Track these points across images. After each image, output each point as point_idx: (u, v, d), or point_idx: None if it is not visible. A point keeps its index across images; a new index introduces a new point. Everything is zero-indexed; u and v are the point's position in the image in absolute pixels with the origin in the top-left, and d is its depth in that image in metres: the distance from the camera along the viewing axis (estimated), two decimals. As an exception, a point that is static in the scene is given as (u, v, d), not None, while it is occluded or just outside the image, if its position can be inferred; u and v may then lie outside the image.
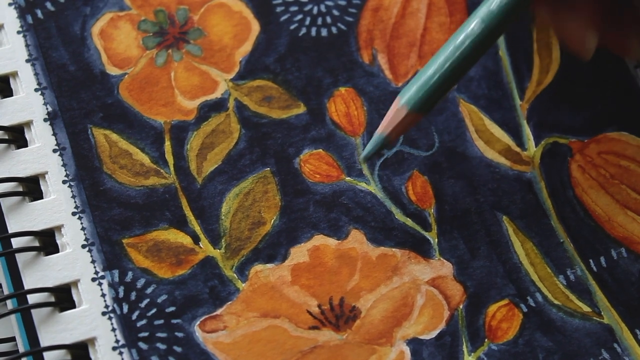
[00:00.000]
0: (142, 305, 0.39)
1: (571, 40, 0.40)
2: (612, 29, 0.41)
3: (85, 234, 0.40)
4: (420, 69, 0.39)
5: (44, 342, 0.38)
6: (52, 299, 0.39)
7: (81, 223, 0.40)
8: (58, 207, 0.40)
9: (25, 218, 0.40)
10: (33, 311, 0.38)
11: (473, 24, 0.38)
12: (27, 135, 0.41)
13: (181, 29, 0.44)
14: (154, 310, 0.39)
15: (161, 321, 0.39)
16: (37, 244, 0.39)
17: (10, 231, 0.40)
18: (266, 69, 0.43)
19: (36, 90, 0.42)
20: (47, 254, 0.39)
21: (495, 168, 0.42)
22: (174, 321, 0.39)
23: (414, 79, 0.39)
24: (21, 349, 0.38)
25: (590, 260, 0.41)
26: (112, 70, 0.43)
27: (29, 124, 0.42)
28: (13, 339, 0.39)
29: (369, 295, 0.40)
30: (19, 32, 0.43)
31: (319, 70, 0.43)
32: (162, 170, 0.41)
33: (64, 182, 0.41)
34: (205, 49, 0.43)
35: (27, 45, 0.43)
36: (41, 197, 0.40)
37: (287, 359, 0.38)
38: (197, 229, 0.40)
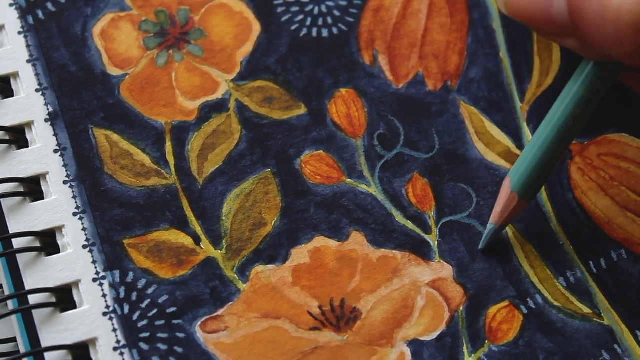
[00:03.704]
0: (143, 305, 0.39)
1: None
2: None
3: (86, 235, 0.40)
4: (525, 151, 0.39)
5: (44, 342, 0.38)
6: (53, 300, 0.39)
7: (82, 223, 0.40)
8: (59, 207, 0.40)
9: (26, 218, 0.40)
10: (34, 312, 0.38)
11: (567, 103, 0.39)
12: (28, 136, 0.41)
13: (182, 29, 0.44)
14: (155, 311, 0.39)
15: (162, 322, 0.39)
16: (38, 244, 0.39)
17: (11, 232, 0.40)
18: (267, 69, 0.43)
19: (37, 90, 0.42)
20: (48, 255, 0.39)
21: (496, 170, 0.42)
22: (175, 322, 0.39)
23: (521, 163, 0.39)
24: (22, 350, 0.38)
25: (590, 262, 0.41)
26: (113, 71, 0.43)
27: (29, 124, 0.42)
28: (14, 339, 0.39)
29: (369, 297, 0.40)
30: (19, 33, 0.43)
31: (320, 71, 0.43)
32: (163, 171, 0.41)
33: (64, 182, 0.41)
34: (206, 50, 0.43)
35: (28, 46, 0.43)
36: (42, 198, 0.40)
37: (287, 360, 0.38)
38: (198, 229, 0.40)
